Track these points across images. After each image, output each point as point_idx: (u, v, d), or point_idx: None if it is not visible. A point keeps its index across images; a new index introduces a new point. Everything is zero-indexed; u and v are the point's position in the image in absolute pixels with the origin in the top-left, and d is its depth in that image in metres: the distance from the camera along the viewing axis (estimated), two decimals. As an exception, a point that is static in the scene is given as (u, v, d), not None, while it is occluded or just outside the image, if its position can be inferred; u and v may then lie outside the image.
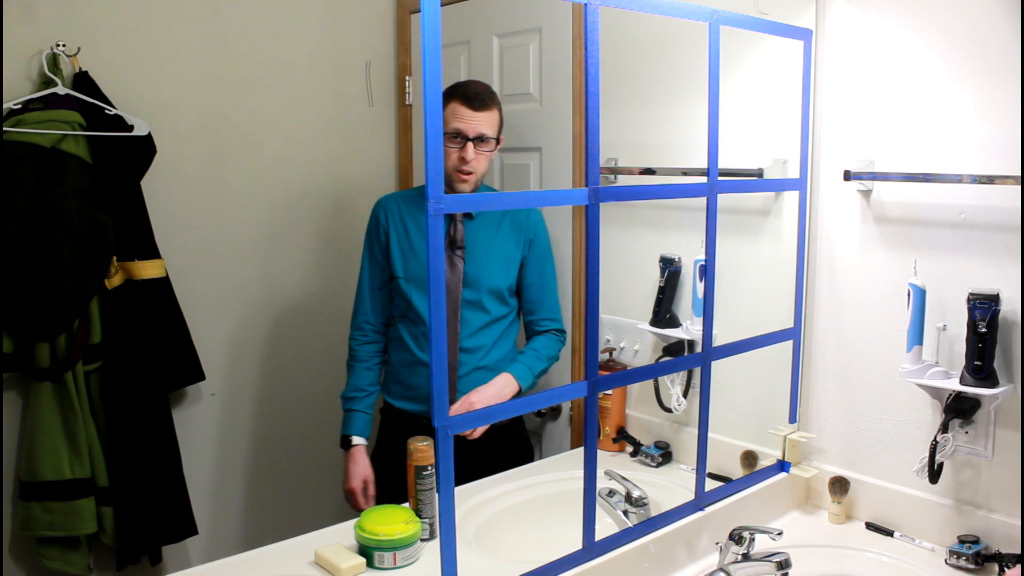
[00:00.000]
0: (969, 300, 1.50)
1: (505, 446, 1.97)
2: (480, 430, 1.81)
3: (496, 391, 1.84)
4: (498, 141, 1.89)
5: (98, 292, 2.01)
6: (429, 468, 1.58)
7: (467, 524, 1.65)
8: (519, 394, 1.87)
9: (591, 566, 1.38)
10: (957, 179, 1.51)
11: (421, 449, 1.58)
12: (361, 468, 1.96)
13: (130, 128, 2.02)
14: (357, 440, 1.98)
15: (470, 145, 1.82)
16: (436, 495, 1.55)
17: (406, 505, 1.61)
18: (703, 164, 1.50)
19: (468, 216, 1.93)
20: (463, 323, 1.89)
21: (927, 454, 1.58)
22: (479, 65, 2.36)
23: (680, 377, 1.96)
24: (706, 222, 1.52)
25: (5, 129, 1.87)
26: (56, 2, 1.98)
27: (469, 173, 1.84)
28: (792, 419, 1.82)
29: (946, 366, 1.58)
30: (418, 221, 1.94)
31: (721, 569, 1.40)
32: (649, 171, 1.98)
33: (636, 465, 1.99)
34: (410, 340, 1.94)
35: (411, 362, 1.95)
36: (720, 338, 1.64)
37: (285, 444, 2.53)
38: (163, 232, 2.14)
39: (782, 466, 1.80)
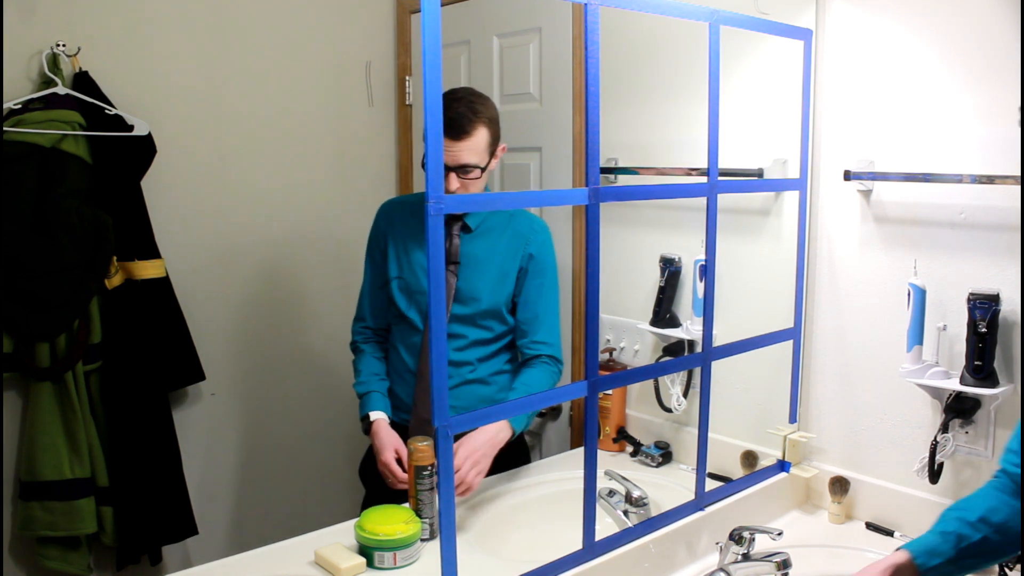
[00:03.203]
0: (969, 300, 1.50)
1: (504, 452, 1.94)
2: (474, 487, 1.64)
3: (488, 438, 1.68)
4: (488, 164, 1.75)
5: (98, 292, 2.01)
6: (429, 468, 1.58)
7: (467, 524, 1.65)
8: (513, 436, 1.73)
9: (591, 566, 1.38)
10: (957, 179, 1.51)
11: (421, 449, 1.58)
12: (388, 438, 1.78)
13: (130, 128, 2.03)
14: (376, 415, 1.82)
15: (452, 176, 1.69)
16: (436, 495, 1.55)
17: (406, 505, 1.61)
18: (703, 164, 1.51)
19: (466, 230, 1.83)
20: (451, 337, 1.82)
21: (927, 454, 1.58)
22: (479, 65, 2.36)
23: (680, 377, 1.96)
24: (706, 222, 1.52)
25: (5, 129, 1.87)
26: (56, 2, 1.98)
27: None
28: (792, 419, 1.82)
29: (946, 366, 1.58)
30: (416, 229, 1.88)
31: (721, 569, 1.41)
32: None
33: (636, 465, 1.99)
34: (402, 348, 1.90)
35: (401, 371, 1.90)
36: (720, 338, 1.64)
37: (285, 444, 2.53)
38: (163, 232, 2.14)
39: (782, 466, 1.80)
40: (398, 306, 1.88)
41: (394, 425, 1.87)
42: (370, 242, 1.95)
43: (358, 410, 1.90)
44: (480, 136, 1.71)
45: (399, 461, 1.76)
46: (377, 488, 1.89)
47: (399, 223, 1.90)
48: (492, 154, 1.76)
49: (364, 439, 1.99)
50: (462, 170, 1.71)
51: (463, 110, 1.70)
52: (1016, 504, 1.15)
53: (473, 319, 1.82)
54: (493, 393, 1.87)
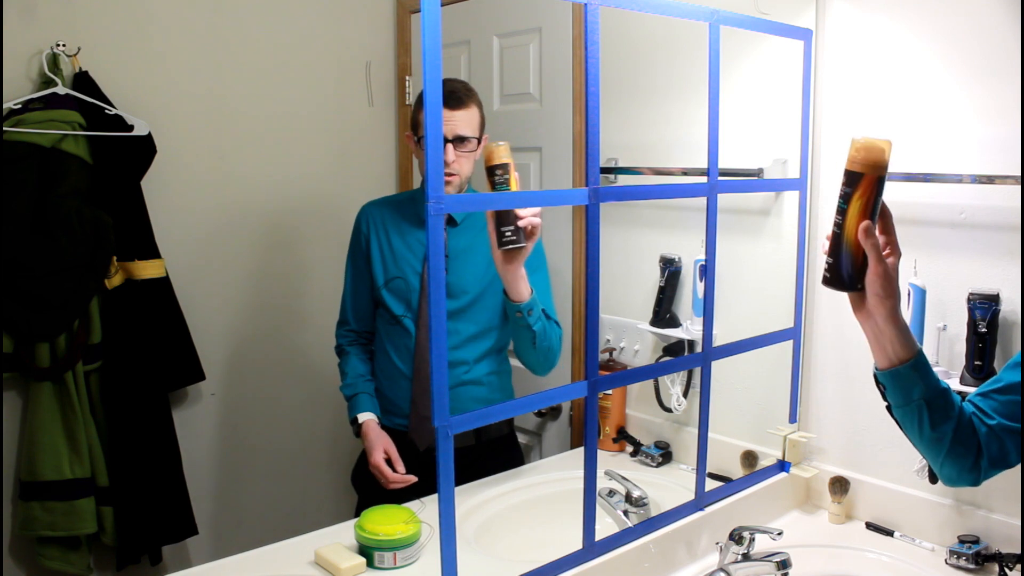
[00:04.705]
0: (969, 300, 1.50)
1: (497, 456, 1.93)
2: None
3: (524, 277, 1.64)
4: (480, 140, 1.79)
5: (98, 292, 2.01)
6: (502, 167, 1.48)
7: (467, 524, 1.65)
8: (522, 308, 1.66)
9: (591, 566, 1.38)
10: (957, 179, 1.51)
11: (492, 149, 1.48)
12: (378, 440, 1.82)
13: (130, 128, 2.03)
14: (364, 417, 1.86)
15: (450, 147, 1.73)
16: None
17: (406, 505, 1.61)
18: (703, 164, 1.51)
19: (451, 223, 1.85)
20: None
21: (927, 454, 1.58)
22: (479, 65, 2.36)
23: (680, 377, 1.96)
24: (706, 222, 1.52)
25: (5, 129, 1.87)
26: (56, 2, 1.98)
27: (452, 175, 1.75)
28: (792, 419, 1.82)
29: (946, 366, 1.58)
30: (400, 229, 1.89)
31: (721, 569, 1.41)
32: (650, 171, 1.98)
33: (636, 465, 1.99)
34: (392, 351, 1.89)
35: (393, 374, 1.89)
36: (720, 338, 1.64)
37: (285, 444, 2.53)
38: (163, 232, 2.14)
39: (782, 466, 1.80)
40: (390, 309, 1.87)
41: (388, 430, 1.88)
42: (352, 246, 1.95)
43: (347, 413, 1.92)
44: (475, 111, 1.78)
45: (389, 462, 1.79)
46: (370, 494, 1.87)
47: (381, 225, 1.90)
48: (479, 139, 1.80)
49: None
50: (459, 141, 1.75)
51: (459, 86, 1.78)
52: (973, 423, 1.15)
53: (464, 313, 1.83)
54: (487, 395, 1.87)
